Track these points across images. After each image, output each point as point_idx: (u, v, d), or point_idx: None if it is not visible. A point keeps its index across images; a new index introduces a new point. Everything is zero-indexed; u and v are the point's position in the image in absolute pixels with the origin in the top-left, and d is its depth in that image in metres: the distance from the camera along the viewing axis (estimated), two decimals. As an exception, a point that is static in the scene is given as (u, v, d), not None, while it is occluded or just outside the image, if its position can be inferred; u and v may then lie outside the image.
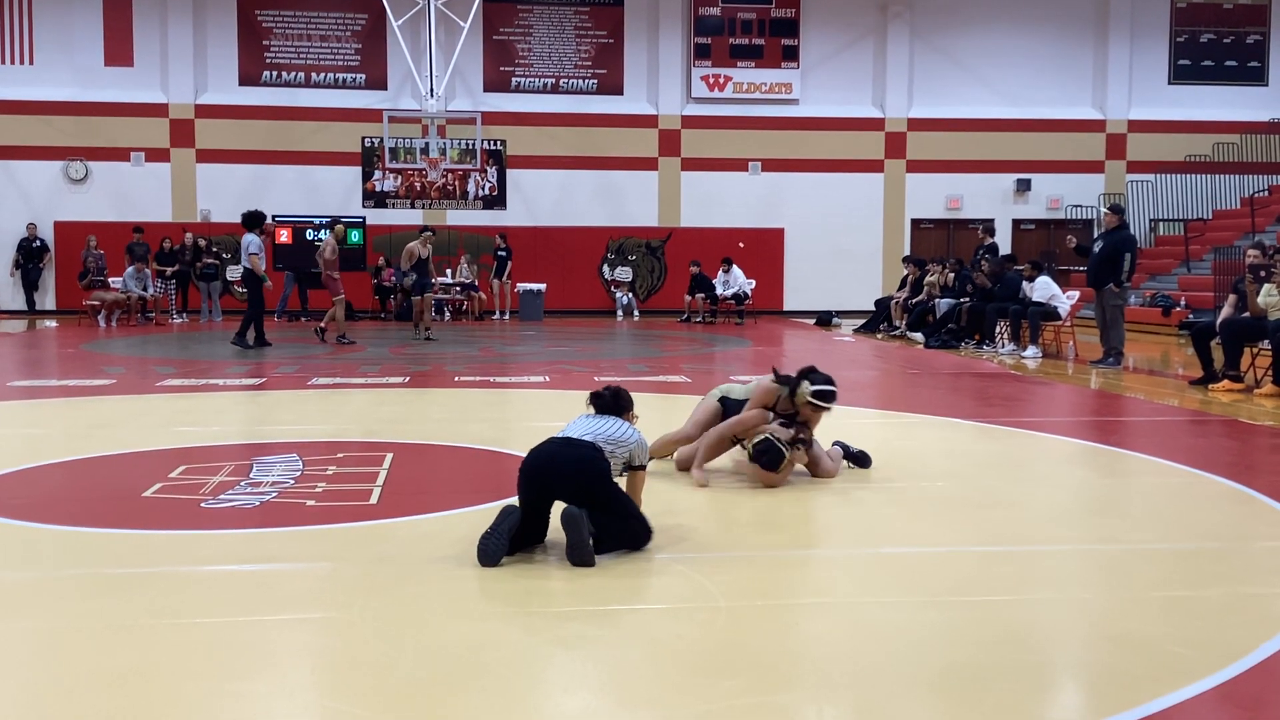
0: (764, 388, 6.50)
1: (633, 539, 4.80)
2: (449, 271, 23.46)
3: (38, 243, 23.94)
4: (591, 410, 5.24)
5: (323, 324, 16.67)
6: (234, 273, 22.71)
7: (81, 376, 11.79)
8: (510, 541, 4.63)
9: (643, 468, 5.17)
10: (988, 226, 21.03)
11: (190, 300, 22.83)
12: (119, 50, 24.41)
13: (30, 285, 23.97)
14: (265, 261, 15.72)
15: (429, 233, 18.30)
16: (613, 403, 5.25)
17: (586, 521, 4.60)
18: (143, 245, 21.73)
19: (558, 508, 4.75)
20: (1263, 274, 10.95)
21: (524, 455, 4.92)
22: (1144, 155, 26.25)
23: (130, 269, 21.04)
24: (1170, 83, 26.80)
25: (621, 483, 5.01)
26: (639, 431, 5.19)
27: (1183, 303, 20.59)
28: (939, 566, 4.80)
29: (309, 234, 23.01)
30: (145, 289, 21.25)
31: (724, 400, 6.76)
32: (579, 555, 4.57)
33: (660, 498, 5.68)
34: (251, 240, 15.27)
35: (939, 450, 7.49)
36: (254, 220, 15.41)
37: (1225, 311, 11.70)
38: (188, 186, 24.63)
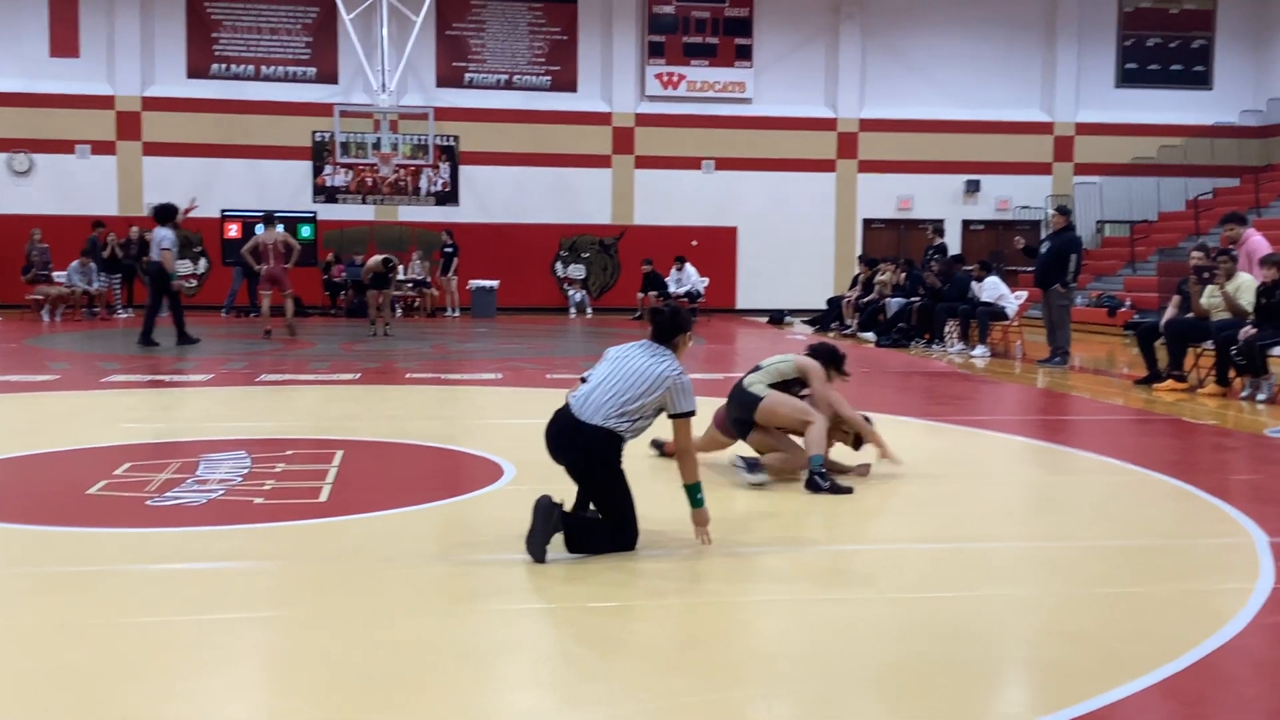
0: (820, 371, 6.54)
1: (610, 545, 4.74)
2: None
3: (-21, 236, 23.48)
4: (649, 333, 4.92)
5: (267, 325, 16.48)
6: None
7: (25, 372, 11.60)
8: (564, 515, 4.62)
9: (683, 415, 4.75)
10: (937, 227, 21.16)
11: (136, 295, 22.49)
12: (65, 41, 23.99)
13: (-29, 279, 23.50)
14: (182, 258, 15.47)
15: (393, 262, 18.25)
16: (671, 325, 4.88)
17: (557, 518, 4.59)
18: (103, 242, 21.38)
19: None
20: (1206, 275, 11.11)
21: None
22: (1091, 158, 26.58)
23: (75, 263, 20.71)
24: (1117, 86, 27.12)
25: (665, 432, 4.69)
26: (679, 368, 4.79)
27: (1128, 303, 20.88)
28: (887, 563, 4.85)
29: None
30: (90, 283, 20.93)
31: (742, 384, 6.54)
32: (531, 545, 4.56)
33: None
34: (165, 235, 14.79)
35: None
36: (167, 214, 14.96)
37: (1169, 312, 11.86)
38: (134, 180, 24.25)
